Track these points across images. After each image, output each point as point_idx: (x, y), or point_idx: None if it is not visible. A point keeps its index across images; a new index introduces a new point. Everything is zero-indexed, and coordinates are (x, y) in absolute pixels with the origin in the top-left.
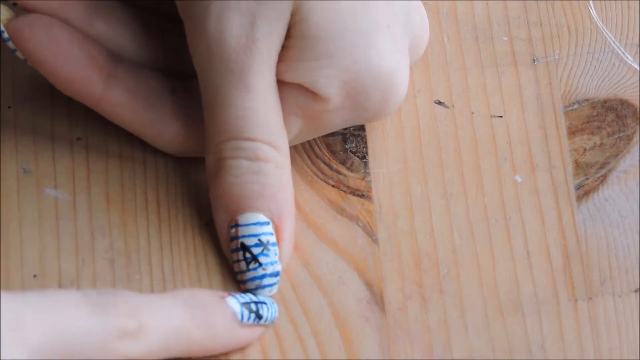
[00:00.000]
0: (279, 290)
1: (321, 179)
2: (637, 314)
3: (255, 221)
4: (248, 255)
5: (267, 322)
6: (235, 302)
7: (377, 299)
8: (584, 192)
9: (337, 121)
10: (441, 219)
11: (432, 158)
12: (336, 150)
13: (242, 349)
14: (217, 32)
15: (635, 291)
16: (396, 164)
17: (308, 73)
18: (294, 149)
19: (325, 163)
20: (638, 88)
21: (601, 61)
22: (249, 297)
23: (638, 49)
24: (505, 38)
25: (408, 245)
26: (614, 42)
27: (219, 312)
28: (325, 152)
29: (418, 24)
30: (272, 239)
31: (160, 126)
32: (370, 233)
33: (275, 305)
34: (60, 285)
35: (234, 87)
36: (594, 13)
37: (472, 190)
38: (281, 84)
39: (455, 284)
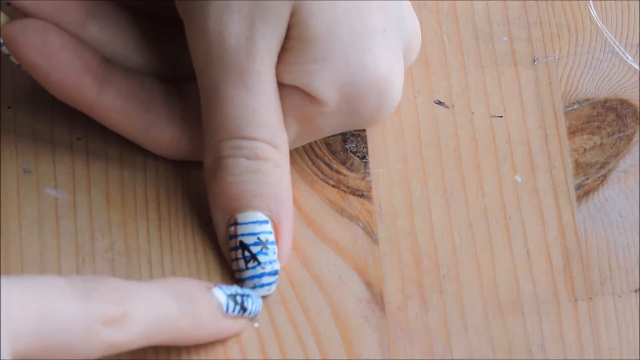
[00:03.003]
0: (279, 290)
1: (321, 179)
2: (637, 314)
3: (254, 220)
4: (247, 253)
5: (250, 315)
6: (221, 293)
7: (377, 299)
8: (584, 192)
9: (333, 125)
10: (441, 219)
11: (432, 158)
12: (336, 150)
13: (241, 348)
14: (217, 32)
15: (635, 291)
16: (396, 164)
17: (304, 75)
18: (293, 149)
19: (325, 163)
20: (638, 88)
21: (601, 61)
22: (234, 289)
23: (638, 49)
24: (505, 38)
25: (408, 245)
26: (614, 42)
27: (204, 303)
28: (326, 152)
29: (411, 27)
30: (271, 237)
31: (154, 131)
32: (370, 233)
33: (260, 299)
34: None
35: (234, 86)
36: (594, 13)
37: (472, 190)
38: (279, 85)
39: (455, 284)
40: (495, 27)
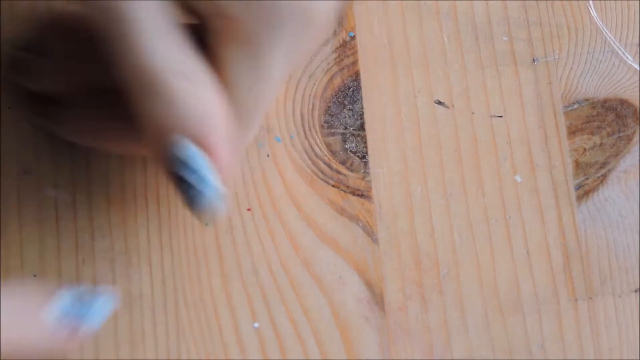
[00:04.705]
0: (279, 290)
1: (321, 179)
2: (637, 314)
3: (186, 151)
4: (187, 185)
5: (93, 324)
6: (56, 308)
7: (377, 299)
8: (584, 192)
9: (275, 50)
10: (441, 219)
11: (432, 158)
12: (336, 150)
13: (241, 348)
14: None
15: (635, 291)
16: (396, 164)
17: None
18: (294, 148)
19: (325, 163)
20: (638, 88)
21: (601, 61)
22: (77, 294)
23: (638, 49)
24: (505, 38)
25: (408, 245)
26: (614, 42)
27: (34, 323)
28: (325, 152)
29: None
30: (207, 163)
31: (130, 139)
32: (370, 233)
33: (111, 304)
34: (61, 285)
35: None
36: (593, 13)
37: (472, 190)
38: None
39: (455, 284)
40: (495, 27)
